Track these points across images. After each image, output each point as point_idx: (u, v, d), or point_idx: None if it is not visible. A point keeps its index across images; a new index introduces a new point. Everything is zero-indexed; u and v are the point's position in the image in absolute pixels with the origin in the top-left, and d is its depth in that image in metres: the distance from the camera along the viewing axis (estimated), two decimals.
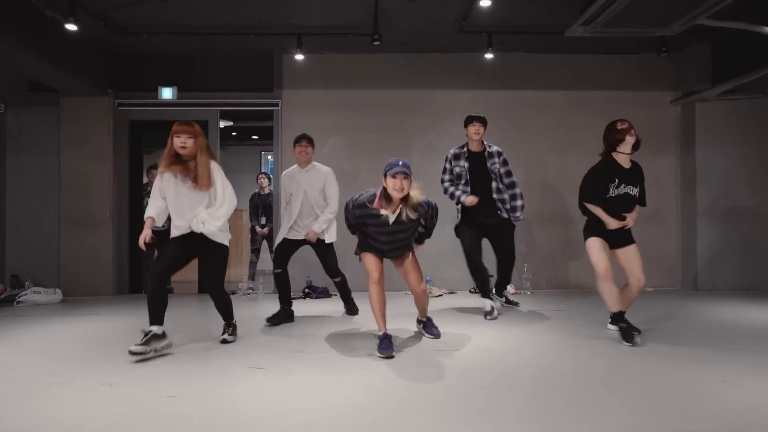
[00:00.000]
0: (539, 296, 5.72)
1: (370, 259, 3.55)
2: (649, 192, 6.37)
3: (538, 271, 6.23)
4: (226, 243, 3.66)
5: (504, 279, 4.89)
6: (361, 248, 3.64)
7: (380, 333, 3.40)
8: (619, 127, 3.57)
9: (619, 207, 3.60)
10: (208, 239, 3.55)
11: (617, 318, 3.59)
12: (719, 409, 2.37)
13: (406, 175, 3.26)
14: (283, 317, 4.39)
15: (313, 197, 4.48)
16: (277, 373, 2.98)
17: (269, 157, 10.55)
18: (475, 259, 4.44)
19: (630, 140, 3.55)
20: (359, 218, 3.47)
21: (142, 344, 3.26)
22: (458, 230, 4.67)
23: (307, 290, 5.93)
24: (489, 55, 5.67)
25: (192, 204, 3.52)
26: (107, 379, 2.88)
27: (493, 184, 4.54)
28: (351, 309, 4.78)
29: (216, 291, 3.70)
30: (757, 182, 6.02)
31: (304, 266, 5.91)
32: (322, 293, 5.88)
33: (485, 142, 4.62)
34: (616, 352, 3.35)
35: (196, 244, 3.58)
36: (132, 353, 3.22)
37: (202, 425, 2.26)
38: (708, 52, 5.97)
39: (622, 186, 3.59)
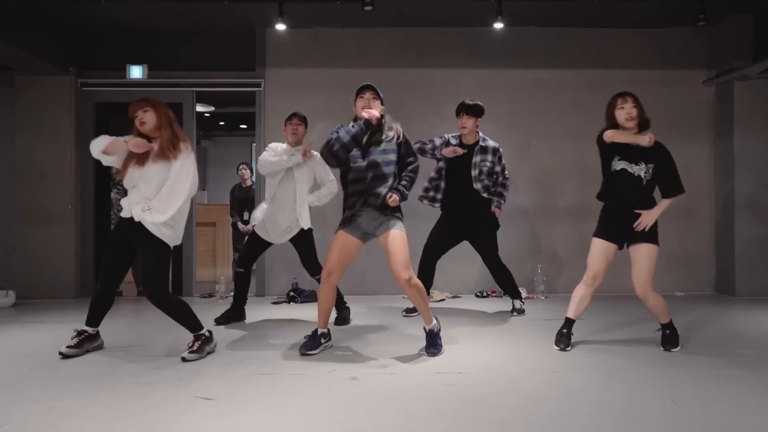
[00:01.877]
0: (555, 302, 5.00)
1: (335, 249, 3.10)
2: None
3: (553, 272, 5.53)
4: (166, 240, 3.07)
5: (509, 290, 4.39)
6: (342, 221, 3.18)
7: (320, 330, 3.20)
8: (619, 106, 3.15)
9: (621, 187, 3.12)
10: (145, 229, 3.03)
11: (569, 323, 3.27)
12: None
13: (374, 93, 3.11)
14: (234, 316, 4.14)
15: (300, 181, 4.00)
16: (227, 407, 2.31)
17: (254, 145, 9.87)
18: (431, 261, 4.22)
19: (628, 124, 3.12)
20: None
21: (74, 346, 3.11)
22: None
23: (291, 293, 5.27)
24: (499, 25, 4.95)
25: (146, 181, 3.07)
26: (3, 417, 2.21)
27: (475, 181, 4.17)
28: (342, 317, 4.10)
29: (156, 298, 3.04)
30: None
31: (289, 266, 5.27)
32: (308, 297, 5.21)
33: (480, 134, 4.26)
34: (663, 378, 2.66)
35: (131, 231, 3.08)
36: (62, 356, 3.07)
37: None
38: (749, 24, 5.24)
39: (617, 159, 3.13)
